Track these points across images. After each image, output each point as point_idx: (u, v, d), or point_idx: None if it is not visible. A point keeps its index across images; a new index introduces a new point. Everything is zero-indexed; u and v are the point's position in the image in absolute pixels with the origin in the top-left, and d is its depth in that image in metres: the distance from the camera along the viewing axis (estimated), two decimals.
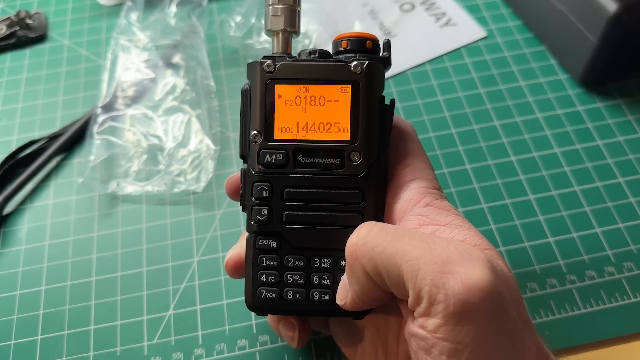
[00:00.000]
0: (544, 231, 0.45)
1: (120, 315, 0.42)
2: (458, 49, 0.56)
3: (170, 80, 0.54)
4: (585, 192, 0.47)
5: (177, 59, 0.55)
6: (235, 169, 0.50)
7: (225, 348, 0.40)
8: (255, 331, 0.41)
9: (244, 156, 0.32)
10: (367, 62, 0.30)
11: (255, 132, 0.31)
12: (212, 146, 0.50)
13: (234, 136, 0.52)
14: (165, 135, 0.51)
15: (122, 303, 0.43)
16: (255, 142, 0.31)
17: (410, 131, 0.33)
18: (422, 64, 0.55)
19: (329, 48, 0.33)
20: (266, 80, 0.31)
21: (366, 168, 0.30)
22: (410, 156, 0.32)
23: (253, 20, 0.56)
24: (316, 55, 0.31)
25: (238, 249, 0.35)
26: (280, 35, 0.33)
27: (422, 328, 0.26)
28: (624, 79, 0.53)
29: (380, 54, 0.32)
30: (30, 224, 0.47)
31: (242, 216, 0.47)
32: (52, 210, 0.48)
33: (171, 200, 0.48)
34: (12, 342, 0.41)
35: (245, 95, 0.32)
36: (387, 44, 0.32)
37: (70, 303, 0.43)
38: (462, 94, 0.53)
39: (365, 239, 0.27)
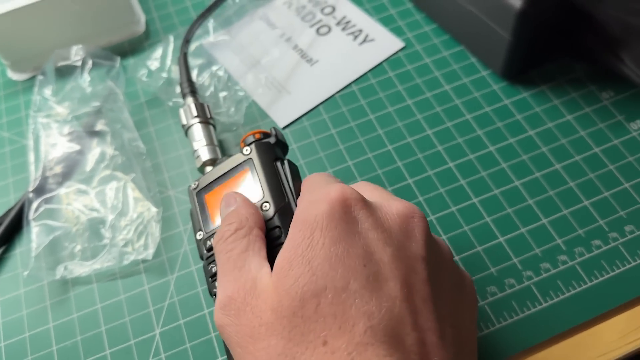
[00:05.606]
0: (493, 232, 0.45)
1: None
2: (380, 64, 0.56)
3: (98, 148, 0.53)
4: (525, 185, 0.47)
5: (100, 125, 0.54)
6: (181, 227, 0.49)
7: None
8: None
9: (201, 256, 0.39)
10: (253, 143, 0.39)
11: (199, 232, 0.39)
12: (153, 209, 0.49)
13: (175, 194, 0.51)
14: (103, 206, 0.50)
15: None
16: (201, 238, 0.39)
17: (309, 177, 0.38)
18: (349, 85, 0.55)
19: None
20: (195, 194, 0.41)
21: (276, 210, 0.35)
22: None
23: (169, 62, 0.56)
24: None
25: None
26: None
27: None
28: (545, 65, 0.54)
29: (270, 139, 0.40)
30: None
31: (198, 277, 0.46)
32: (1, 308, 0.46)
33: (122, 274, 0.47)
34: None
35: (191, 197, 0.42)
36: (275, 130, 0.41)
37: None
38: (392, 109, 0.53)
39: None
